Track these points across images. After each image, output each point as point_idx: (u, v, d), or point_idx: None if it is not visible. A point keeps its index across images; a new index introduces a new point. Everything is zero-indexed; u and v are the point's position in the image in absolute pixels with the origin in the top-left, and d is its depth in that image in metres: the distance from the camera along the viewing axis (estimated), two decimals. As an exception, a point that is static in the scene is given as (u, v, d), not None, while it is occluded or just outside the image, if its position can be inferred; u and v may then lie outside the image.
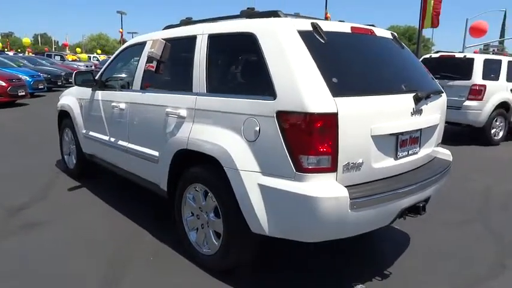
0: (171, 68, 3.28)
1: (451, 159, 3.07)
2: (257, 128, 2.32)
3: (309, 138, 2.13)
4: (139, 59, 3.52)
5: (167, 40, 3.25)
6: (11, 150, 6.17)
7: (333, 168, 2.18)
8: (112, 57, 4.23)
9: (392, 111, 2.46)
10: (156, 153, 3.15)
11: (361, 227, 2.36)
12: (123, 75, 4.08)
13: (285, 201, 2.23)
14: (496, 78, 7.65)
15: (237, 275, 2.71)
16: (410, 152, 2.65)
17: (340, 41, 2.53)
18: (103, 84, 4.09)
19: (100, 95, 4.02)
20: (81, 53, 44.01)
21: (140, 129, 3.41)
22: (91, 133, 4.22)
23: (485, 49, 25.95)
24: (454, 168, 3.23)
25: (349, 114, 2.18)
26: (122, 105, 3.57)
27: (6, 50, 32.40)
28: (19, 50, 43.77)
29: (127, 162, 3.65)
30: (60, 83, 16.59)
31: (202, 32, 2.91)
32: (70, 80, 18.25)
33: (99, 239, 3.25)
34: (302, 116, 2.12)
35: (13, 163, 5.38)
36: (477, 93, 7.39)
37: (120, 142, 3.67)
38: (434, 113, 2.84)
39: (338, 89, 2.19)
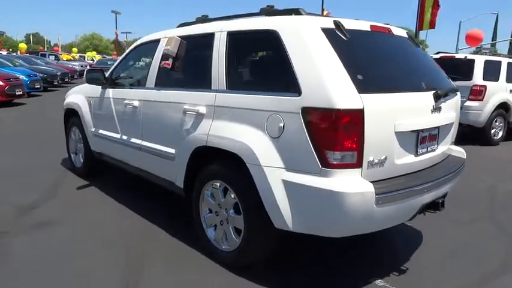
0: (188, 66, 3.28)
1: (464, 156, 3.12)
2: (281, 124, 2.33)
3: (335, 134, 2.15)
4: (152, 57, 3.52)
5: (183, 37, 3.26)
6: (14, 149, 6.11)
7: (358, 163, 2.20)
8: (123, 55, 4.22)
9: (414, 108, 2.50)
10: (172, 151, 3.14)
11: (385, 222, 2.39)
12: (135, 73, 4.07)
13: (310, 196, 2.24)
14: (496, 79, 7.77)
15: (259, 271, 2.72)
16: (429, 149, 2.68)
17: (361, 38, 2.56)
18: (113, 82, 4.08)
19: (111, 92, 4.00)
20: (78, 52, 43.65)
21: (155, 126, 3.40)
22: (101, 131, 4.20)
23: (478, 51, 26.32)
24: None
25: (374, 111, 2.21)
26: (135, 103, 3.56)
27: (-1, 49, 32.09)
28: (10, 50, 43.29)
29: (140, 160, 3.64)
30: (56, 83, 16.48)
31: (220, 29, 2.92)
32: (66, 80, 18.24)
33: (113, 238, 3.24)
34: (329, 112, 2.14)
35: (17, 162, 5.32)
36: (478, 93, 7.49)
37: (133, 140, 3.65)
38: (451, 111, 2.89)
39: (363, 86, 2.21)
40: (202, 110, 2.85)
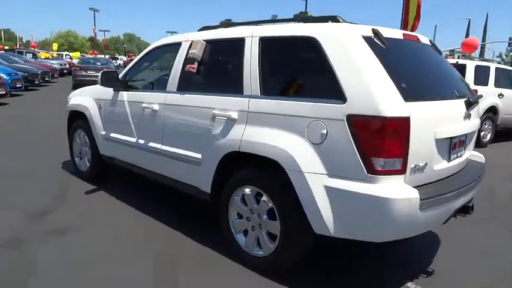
0: (215, 70, 3.26)
1: (483, 161, 3.23)
2: (324, 131, 2.36)
3: (382, 141, 2.19)
4: (173, 60, 3.47)
5: (208, 41, 3.23)
6: (11, 151, 5.89)
7: (403, 170, 2.25)
8: (137, 58, 4.13)
9: (451, 116, 2.57)
10: (198, 155, 3.11)
11: (426, 226, 2.46)
12: (153, 76, 3.99)
13: (355, 202, 2.28)
14: (485, 83, 8.06)
15: (292, 275, 2.73)
16: (458, 155, 2.77)
17: (397, 47, 2.61)
18: (127, 85, 3.99)
19: (126, 95, 3.91)
20: (57, 49, 42.33)
21: (178, 130, 3.35)
22: (112, 134, 4.10)
23: (451, 54, 27.20)
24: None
25: (418, 118, 2.26)
26: (155, 106, 3.49)
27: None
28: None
29: (159, 165, 3.58)
30: (37, 82, 15.97)
31: (251, 34, 2.91)
32: (47, 79, 17.69)
33: (136, 243, 3.19)
34: (376, 119, 2.18)
35: (17, 164, 5.14)
36: (469, 97, 7.73)
37: (152, 144, 3.59)
38: (476, 117, 2.98)
39: (407, 94, 2.26)
40: (234, 115, 2.83)
